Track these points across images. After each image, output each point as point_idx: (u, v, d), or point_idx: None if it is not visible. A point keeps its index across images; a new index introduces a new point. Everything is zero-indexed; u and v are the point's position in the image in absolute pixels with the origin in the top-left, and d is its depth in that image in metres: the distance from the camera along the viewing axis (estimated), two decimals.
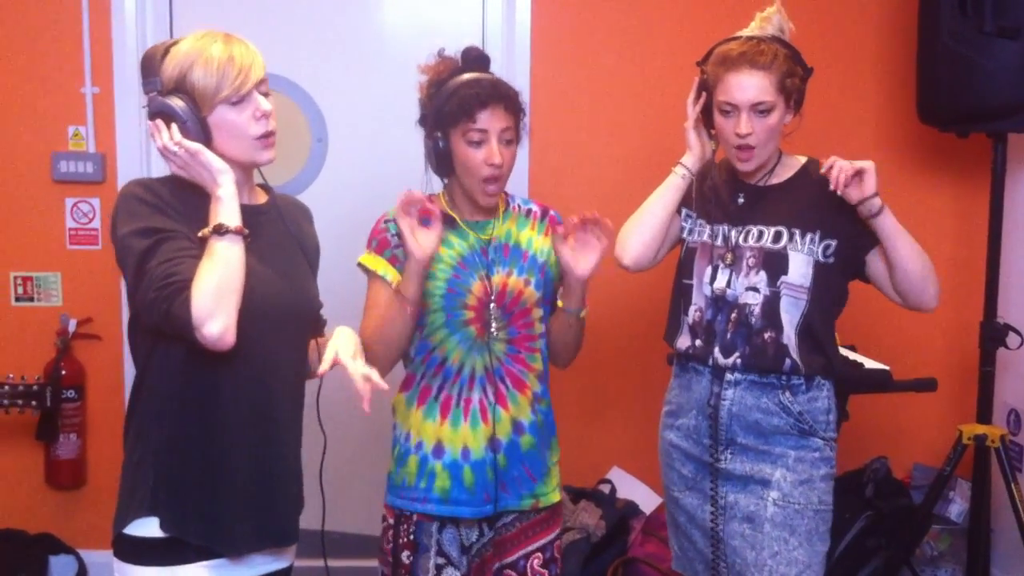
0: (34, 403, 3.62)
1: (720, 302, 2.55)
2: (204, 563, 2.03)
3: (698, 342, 2.59)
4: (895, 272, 2.52)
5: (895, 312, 3.97)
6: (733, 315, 2.54)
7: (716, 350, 2.55)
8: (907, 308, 2.59)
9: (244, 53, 2.02)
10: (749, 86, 2.45)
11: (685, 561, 2.73)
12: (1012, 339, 3.36)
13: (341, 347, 2.13)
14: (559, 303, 2.54)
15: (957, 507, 3.80)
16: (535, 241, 2.56)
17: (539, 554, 2.55)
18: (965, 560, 3.58)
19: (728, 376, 2.54)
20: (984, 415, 3.41)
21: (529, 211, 2.60)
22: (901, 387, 3.33)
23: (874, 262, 2.56)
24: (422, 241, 2.27)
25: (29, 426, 3.79)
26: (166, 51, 2.01)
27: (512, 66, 3.81)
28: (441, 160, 2.43)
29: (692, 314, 2.61)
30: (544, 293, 2.54)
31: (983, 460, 3.40)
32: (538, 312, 2.53)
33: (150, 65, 2.01)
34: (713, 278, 2.57)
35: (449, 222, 2.48)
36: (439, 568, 2.46)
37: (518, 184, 3.78)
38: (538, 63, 3.89)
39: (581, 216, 2.36)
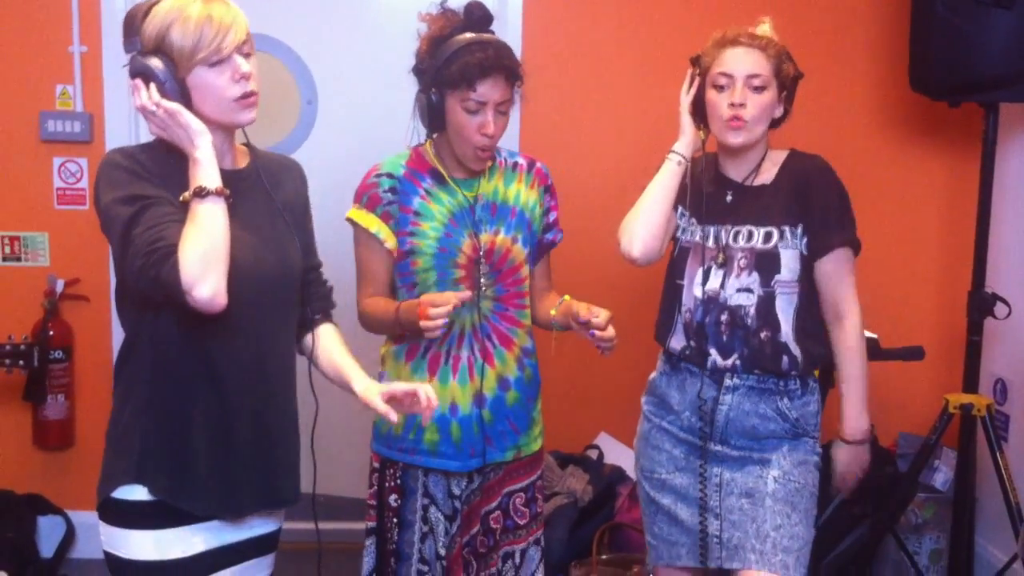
0: (21, 363, 3.63)
1: (711, 304, 2.53)
2: (197, 525, 2.04)
3: (692, 343, 2.57)
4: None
5: (883, 281, 4.00)
6: (724, 316, 2.51)
7: (713, 352, 2.53)
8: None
9: (224, 14, 1.98)
10: (747, 57, 2.45)
11: (664, 549, 2.68)
12: (1000, 309, 3.36)
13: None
14: (552, 311, 2.55)
15: (942, 476, 3.82)
16: (522, 195, 2.58)
17: (521, 494, 2.63)
18: (949, 528, 3.60)
19: (727, 381, 2.53)
20: (971, 384, 3.42)
21: (516, 164, 2.62)
22: (888, 356, 3.34)
23: (820, 275, 2.56)
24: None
25: (17, 387, 3.79)
26: (147, 11, 1.98)
27: (504, 29, 3.78)
28: (434, 116, 2.43)
29: (684, 314, 2.58)
30: (531, 249, 2.57)
31: (969, 429, 3.41)
32: (526, 269, 2.56)
33: (131, 25, 1.98)
34: (705, 279, 2.54)
35: (438, 177, 2.49)
36: (424, 508, 2.51)
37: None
38: (530, 27, 3.86)
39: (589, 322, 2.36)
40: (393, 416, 2.08)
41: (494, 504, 2.59)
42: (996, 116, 3.37)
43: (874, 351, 3.28)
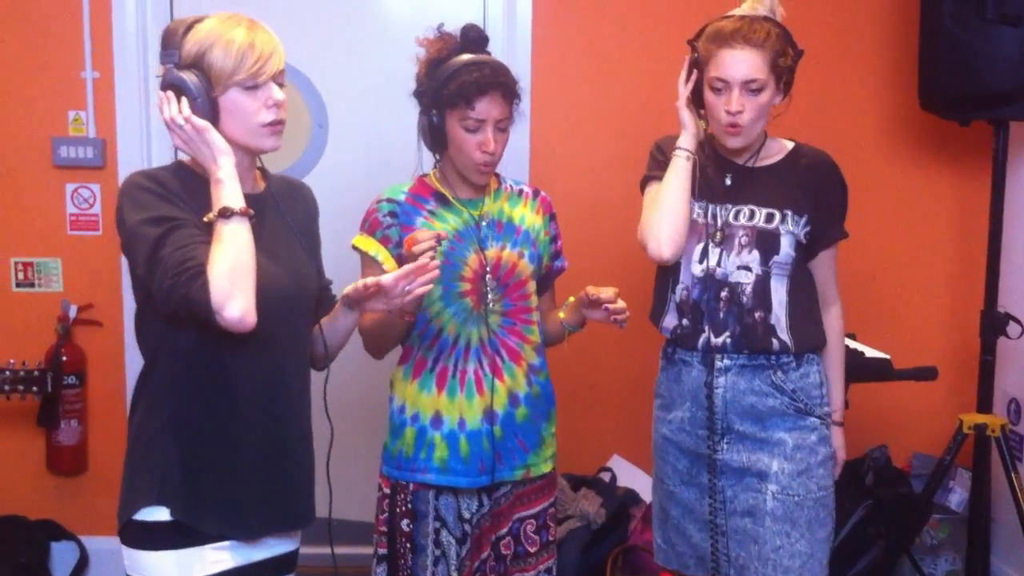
0: (35, 389, 3.63)
1: (709, 281, 2.55)
2: (217, 544, 2.04)
3: (685, 321, 2.59)
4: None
5: (895, 301, 3.99)
6: (724, 293, 2.54)
7: (707, 329, 2.55)
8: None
9: (266, 42, 2.03)
10: (742, 63, 2.44)
11: (672, 555, 2.71)
12: (1013, 328, 3.36)
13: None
14: (560, 314, 2.62)
15: (957, 496, 3.80)
16: (527, 218, 2.61)
17: (532, 520, 2.62)
18: (965, 549, 3.58)
19: (718, 363, 2.55)
20: (984, 404, 3.41)
21: (521, 191, 2.65)
22: (901, 376, 3.34)
23: (816, 263, 2.62)
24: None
25: (30, 412, 3.79)
26: (189, 27, 2.02)
27: (513, 50, 3.80)
28: (436, 137, 2.46)
29: (679, 292, 2.60)
30: (537, 267, 2.58)
31: (983, 449, 3.40)
32: (532, 285, 2.58)
33: (171, 39, 2.02)
34: (703, 256, 2.56)
35: (442, 199, 2.51)
36: (436, 532, 2.51)
37: (519, 168, 3.78)
38: (539, 48, 3.88)
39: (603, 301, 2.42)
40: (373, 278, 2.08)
41: (504, 530, 2.58)
42: (1006, 134, 3.36)
43: (887, 371, 3.28)
